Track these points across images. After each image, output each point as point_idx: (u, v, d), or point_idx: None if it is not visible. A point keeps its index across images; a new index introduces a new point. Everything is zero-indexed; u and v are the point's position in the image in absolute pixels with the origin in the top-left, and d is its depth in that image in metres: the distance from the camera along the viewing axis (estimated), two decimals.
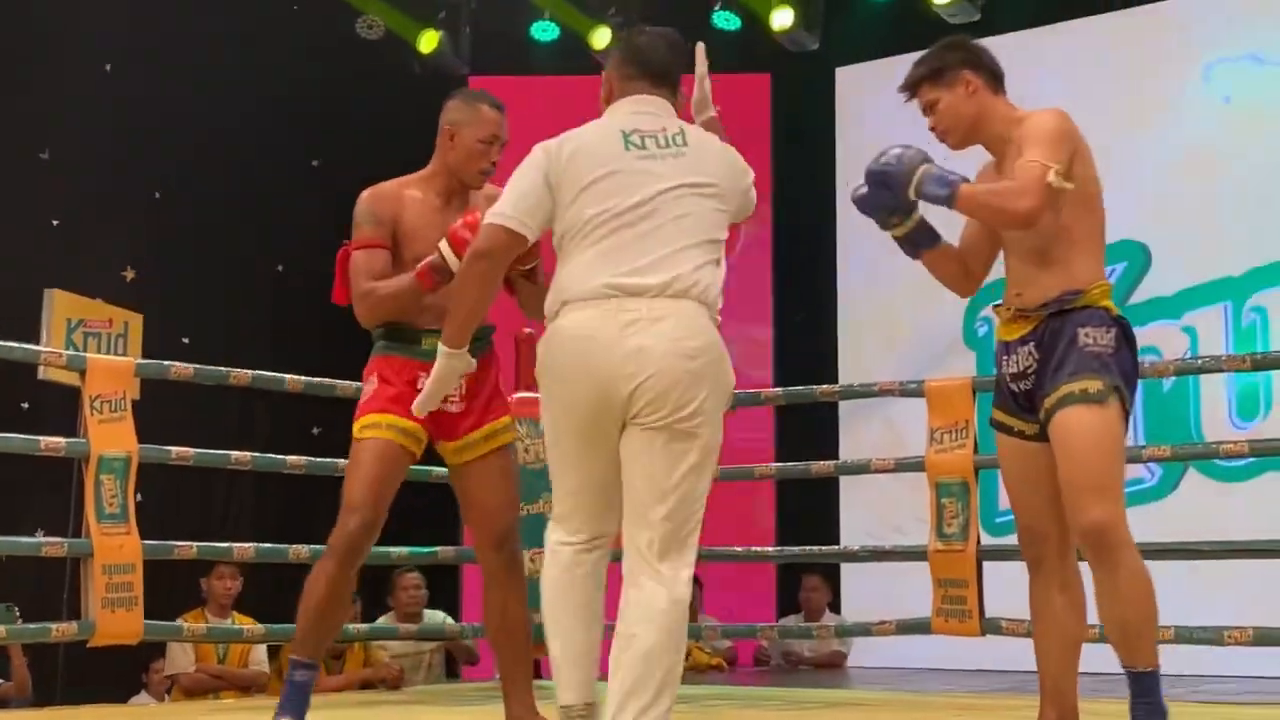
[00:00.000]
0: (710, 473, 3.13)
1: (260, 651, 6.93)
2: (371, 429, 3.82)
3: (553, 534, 3.20)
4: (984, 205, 3.37)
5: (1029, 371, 3.45)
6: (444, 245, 3.77)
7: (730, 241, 3.33)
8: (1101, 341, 3.34)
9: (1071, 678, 3.46)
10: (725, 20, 9.47)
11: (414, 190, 3.96)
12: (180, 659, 6.84)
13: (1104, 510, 3.28)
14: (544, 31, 9.81)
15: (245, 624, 6.44)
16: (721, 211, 3.23)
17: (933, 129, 3.62)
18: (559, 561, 3.16)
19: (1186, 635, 4.86)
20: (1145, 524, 8.12)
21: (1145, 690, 3.28)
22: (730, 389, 3.17)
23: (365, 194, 3.97)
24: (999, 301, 3.55)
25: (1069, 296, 3.39)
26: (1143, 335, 3.56)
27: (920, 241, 3.56)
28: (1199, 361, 6.34)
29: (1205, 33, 8.45)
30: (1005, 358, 3.50)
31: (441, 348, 3.34)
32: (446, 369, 3.37)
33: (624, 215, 3.12)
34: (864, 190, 3.48)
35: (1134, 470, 8.02)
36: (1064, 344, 3.37)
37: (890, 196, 3.42)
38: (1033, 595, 3.53)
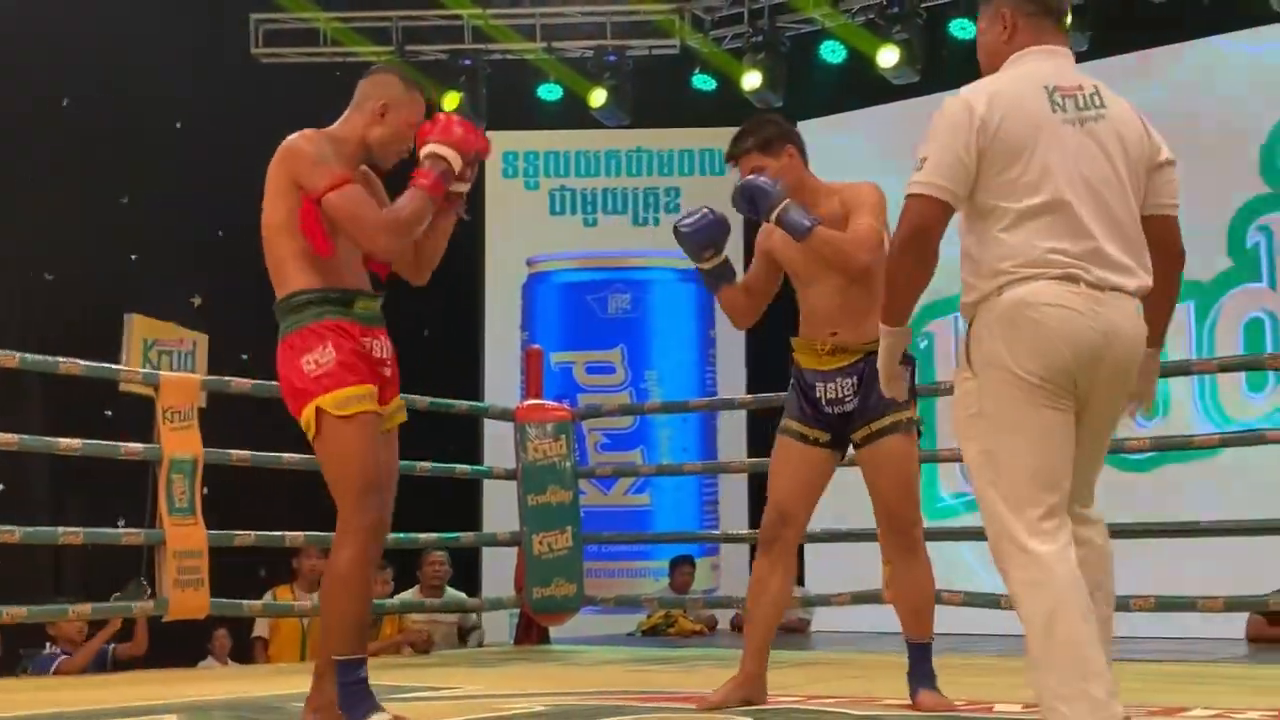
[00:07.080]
0: None
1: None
2: (359, 404, 3.04)
3: (1031, 524, 2.47)
4: (833, 246, 3.49)
5: (846, 399, 3.60)
6: (442, 148, 3.10)
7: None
8: (905, 378, 3.32)
9: (770, 641, 3.64)
10: (703, 82, 9.62)
11: (336, 148, 3.12)
12: (260, 627, 6.74)
13: (918, 516, 3.66)
14: (549, 92, 9.83)
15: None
16: (1135, 189, 2.60)
17: None
18: (1065, 556, 2.45)
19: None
20: None
21: (925, 657, 3.57)
22: None
23: (311, 134, 3.10)
24: (798, 335, 3.66)
25: None
26: None
27: (723, 276, 3.69)
28: None
29: None
30: (821, 384, 3.61)
31: (884, 328, 2.74)
32: (893, 346, 2.78)
33: (1059, 188, 2.51)
34: (697, 219, 3.59)
35: None
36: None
37: (749, 210, 3.50)
38: (758, 572, 3.64)
